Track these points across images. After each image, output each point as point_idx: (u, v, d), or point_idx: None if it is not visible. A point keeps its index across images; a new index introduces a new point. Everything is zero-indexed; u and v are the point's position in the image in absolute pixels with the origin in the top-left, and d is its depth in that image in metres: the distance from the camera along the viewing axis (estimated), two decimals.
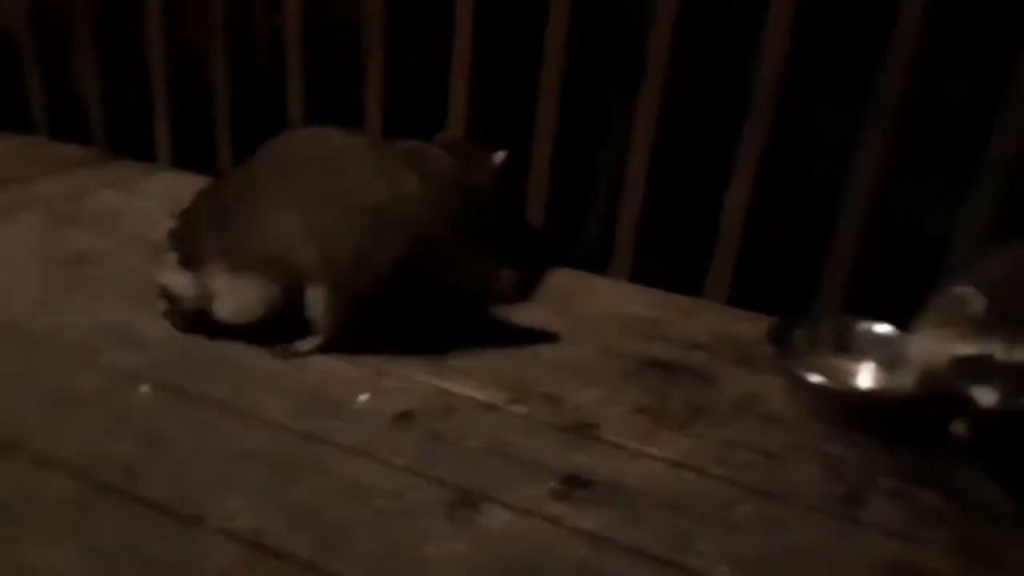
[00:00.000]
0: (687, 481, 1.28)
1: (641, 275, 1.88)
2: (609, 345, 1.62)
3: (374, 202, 1.43)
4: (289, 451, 1.27)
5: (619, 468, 1.29)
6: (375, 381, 1.46)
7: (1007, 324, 1.18)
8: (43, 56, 2.43)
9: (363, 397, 1.41)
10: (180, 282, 1.47)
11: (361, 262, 1.42)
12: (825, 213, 1.70)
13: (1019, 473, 1.30)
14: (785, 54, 1.62)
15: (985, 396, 1.18)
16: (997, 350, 1.17)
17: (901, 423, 1.38)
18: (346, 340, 1.50)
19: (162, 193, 2.14)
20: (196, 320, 1.50)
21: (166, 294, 1.50)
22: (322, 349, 1.49)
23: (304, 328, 1.50)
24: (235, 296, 1.45)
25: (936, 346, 1.25)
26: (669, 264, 1.88)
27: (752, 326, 1.63)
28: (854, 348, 1.54)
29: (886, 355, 1.49)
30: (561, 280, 1.88)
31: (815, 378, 1.41)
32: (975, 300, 1.20)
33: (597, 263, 1.92)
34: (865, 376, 1.53)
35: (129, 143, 2.38)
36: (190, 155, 2.34)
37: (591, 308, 1.77)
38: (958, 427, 1.36)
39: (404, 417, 1.37)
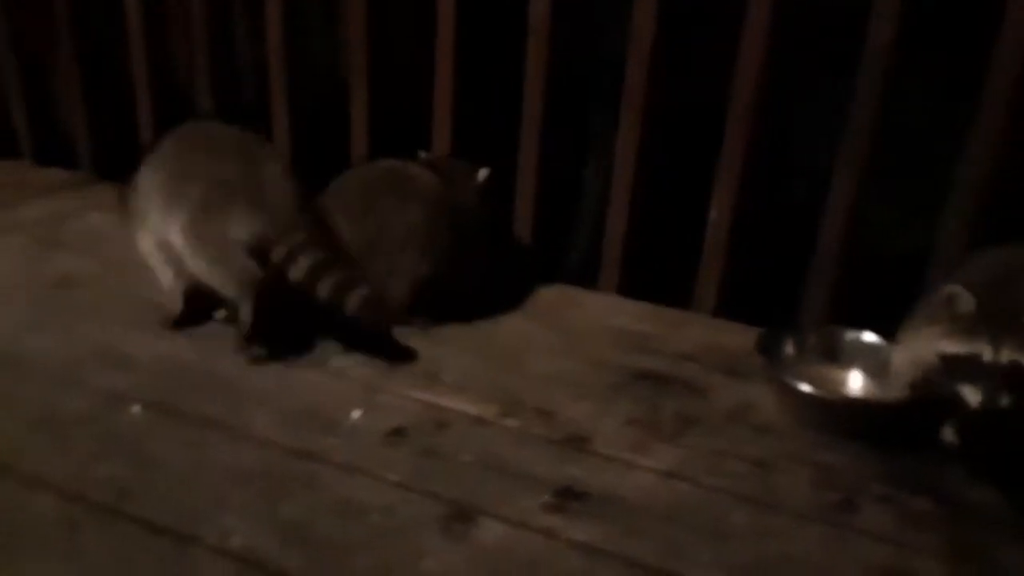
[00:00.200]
0: (680, 492, 1.29)
1: (629, 289, 1.89)
2: (599, 358, 1.63)
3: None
4: (282, 468, 1.27)
5: (612, 480, 1.30)
6: (367, 397, 1.45)
7: (994, 324, 1.20)
8: (25, 81, 2.43)
9: (355, 413, 1.41)
10: None
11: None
12: (808, 225, 1.73)
13: (1008, 475, 1.32)
14: (759, 73, 1.65)
15: (972, 395, 1.19)
16: (984, 350, 1.19)
17: (891, 429, 1.39)
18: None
19: None
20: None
21: None
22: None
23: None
24: None
25: (924, 345, 1.27)
26: (657, 277, 1.89)
27: (740, 337, 1.65)
28: (842, 357, 1.56)
29: (873, 363, 1.52)
30: (550, 294, 1.89)
31: (805, 387, 1.43)
32: (964, 299, 1.22)
33: (586, 278, 1.93)
34: (854, 384, 1.54)
35: (113, 167, 2.37)
36: None
37: (580, 322, 1.78)
38: (947, 432, 1.38)
39: (397, 433, 1.37)
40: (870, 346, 1.54)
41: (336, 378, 1.50)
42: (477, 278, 1.79)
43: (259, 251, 1.48)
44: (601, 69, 1.94)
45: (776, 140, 1.85)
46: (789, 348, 1.56)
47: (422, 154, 1.82)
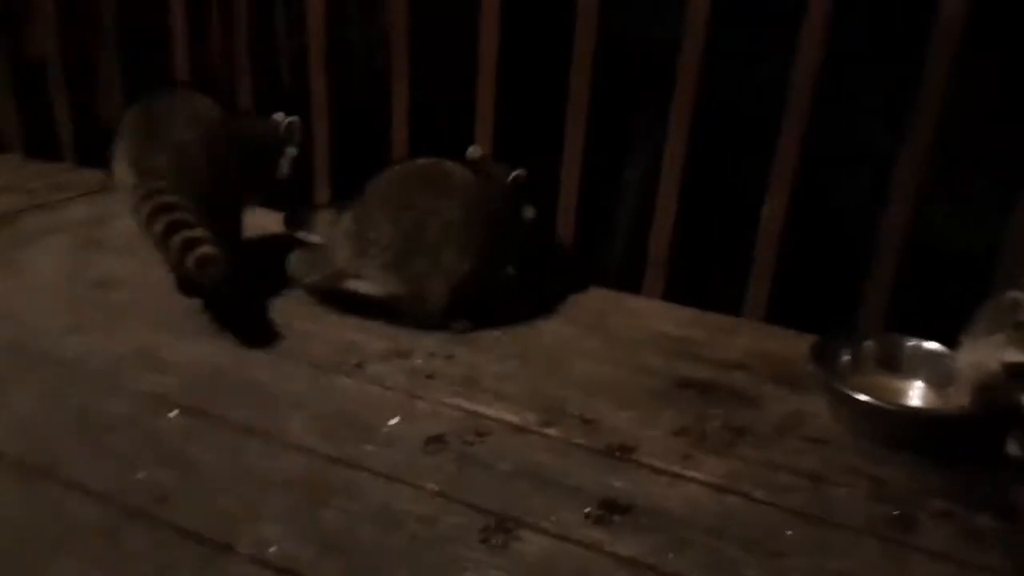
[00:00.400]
0: (730, 505, 1.24)
1: (675, 294, 1.84)
2: (644, 365, 1.58)
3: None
4: (320, 476, 1.25)
5: (659, 492, 1.25)
6: (405, 404, 1.43)
7: None
8: (70, 83, 2.45)
9: (393, 420, 1.38)
10: None
11: None
12: (865, 228, 1.66)
13: None
14: (818, 65, 1.59)
15: None
16: None
17: (952, 442, 1.33)
18: None
19: None
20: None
21: None
22: None
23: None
24: None
25: (987, 353, 1.21)
26: (705, 282, 1.84)
27: (792, 344, 1.59)
28: (902, 366, 1.50)
29: (935, 373, 1.45)
30: (594, 299, 1.85)
31: (862, 397, 1.37)
32: None
33: (629, 282, 1.89)
34: (914, 394, 1.48)
35: None
36: None
37: (624, 327, 1.74)
38: (1012, 445, 1.31)
39: (436, 440, 1.34)
40: (932, 354, 1.47)
41: (372, 384, 1.48)
42: (514, 281, 1.76)
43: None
44: (650, 59, 1.88)
45: (836, 134, 1.78)
46: (845, 356, 1.50)
47: (472, 149, 1.79)
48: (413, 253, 1.61)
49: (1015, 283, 1.26)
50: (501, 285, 1.78)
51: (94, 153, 2.46)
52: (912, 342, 1.50)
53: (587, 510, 1.21)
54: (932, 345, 1.48)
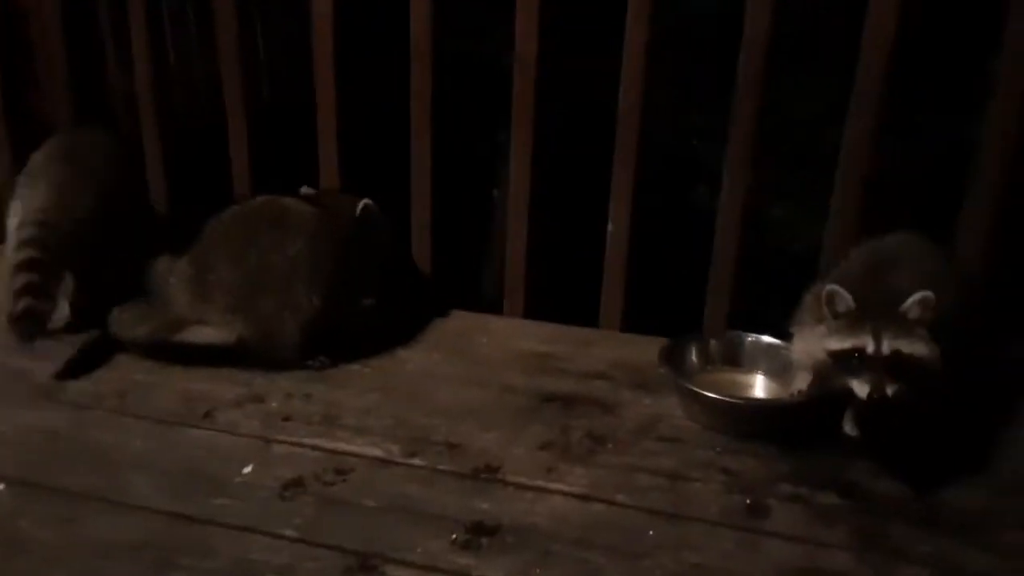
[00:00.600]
0: (594, 513, 1.26)
1: (536, 311, 1.86)
2: (507, 384, 1.59)
3: None
4: (167, 536, 1.18)
5: (525, 509, 1.26)
6: (260, 450, 1.38)
7: (873, 317, 1.22)
8: None
9: (247, 469, 1.33)
10: None
11: None
12: (705, 234, 1.73)
13: (910, 463, 1.34)
14: (642, 84, 1.65)
15: (860, 388, 1.21)
16: (867, 342, 1.21)
17: (795, 427, 1.40)
18: None
19: None
20: None
21: None
22: None
23: None
24: None
25: (813, 342, 1.29)
26: (564, 297, 1.87)
27: (648, 350, 1.63)
28: (745, 361, 1.57)
29: (774, 365, 1.53)
30: (455, 324, 1.84)
31: (709, 393, 1.42)
32: (842, 298, 1.25)
33: (497, 304, 1.89)
34: (757, 386, 1.55)
35: None
36: None
37: (486, 349, 1.74)
38: (847, 425, 1.40)
39: (293, 485, 1.29)
40: (770, 347, 1.55)
41: (223, 432, 1.42)
42: (372, 312, 1.73)
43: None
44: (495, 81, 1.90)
45: (673, 146, 1.84)
46: (693, 357, 1.56)
47: (304, 189, 1.75)
48: (259, 293, 1.56)
49: (830, 275, 1.35)
50: (359, 317, 1.75)
51: None
52: (751, 337, 1.58)
53: (454, 536, 1.19)
54: (769, 339, 1.56)
